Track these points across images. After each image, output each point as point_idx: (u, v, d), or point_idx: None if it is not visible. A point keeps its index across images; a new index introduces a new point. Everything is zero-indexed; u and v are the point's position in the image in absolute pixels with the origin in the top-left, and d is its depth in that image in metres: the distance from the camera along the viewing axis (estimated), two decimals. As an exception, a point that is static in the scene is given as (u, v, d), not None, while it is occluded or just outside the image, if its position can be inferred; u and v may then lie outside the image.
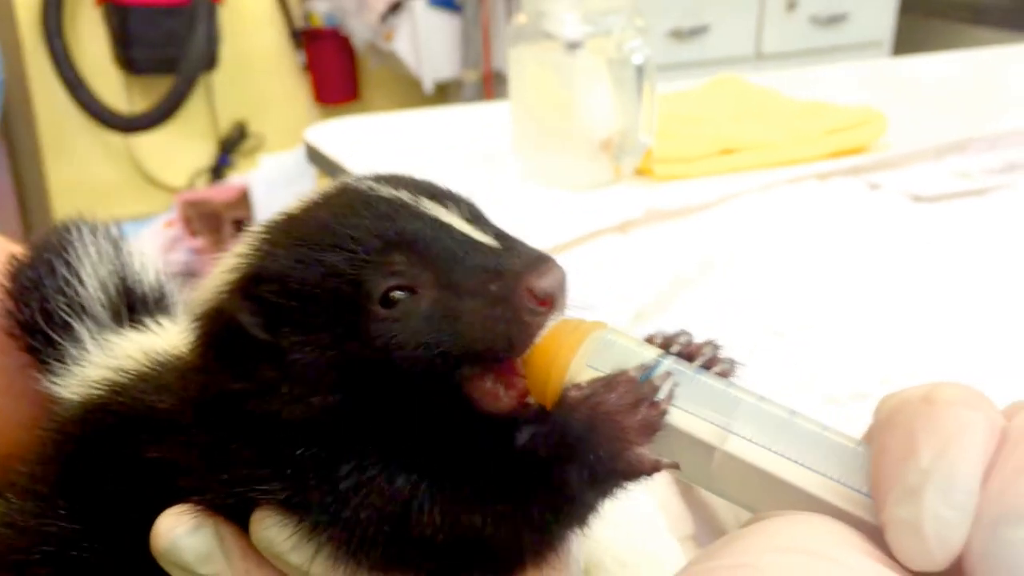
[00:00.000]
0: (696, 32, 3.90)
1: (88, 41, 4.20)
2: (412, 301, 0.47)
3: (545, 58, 1.55)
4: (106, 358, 0.61)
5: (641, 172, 1.61)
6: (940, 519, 0.36)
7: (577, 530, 0.49)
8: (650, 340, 0.49)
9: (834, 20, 4.11)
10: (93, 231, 0.70)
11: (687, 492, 0.97)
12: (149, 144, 4.42)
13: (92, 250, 0.68)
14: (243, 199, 3.62)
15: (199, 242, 3.73)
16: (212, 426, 0.49)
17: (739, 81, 2.02)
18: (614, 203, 1.47)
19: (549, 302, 0.47)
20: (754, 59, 4.05)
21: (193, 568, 0.50)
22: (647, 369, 0.45)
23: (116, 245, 0.70)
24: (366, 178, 0.52)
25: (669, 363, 0.45)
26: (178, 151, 4.50)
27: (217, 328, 0.49)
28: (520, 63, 1.60)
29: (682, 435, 0.43)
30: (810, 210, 1.44)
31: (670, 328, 0.48)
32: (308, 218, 0.50)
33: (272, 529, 0.48)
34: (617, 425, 0.44)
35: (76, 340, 0.65)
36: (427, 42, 3.90)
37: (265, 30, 4.52)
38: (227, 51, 4.34)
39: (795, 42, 4.10)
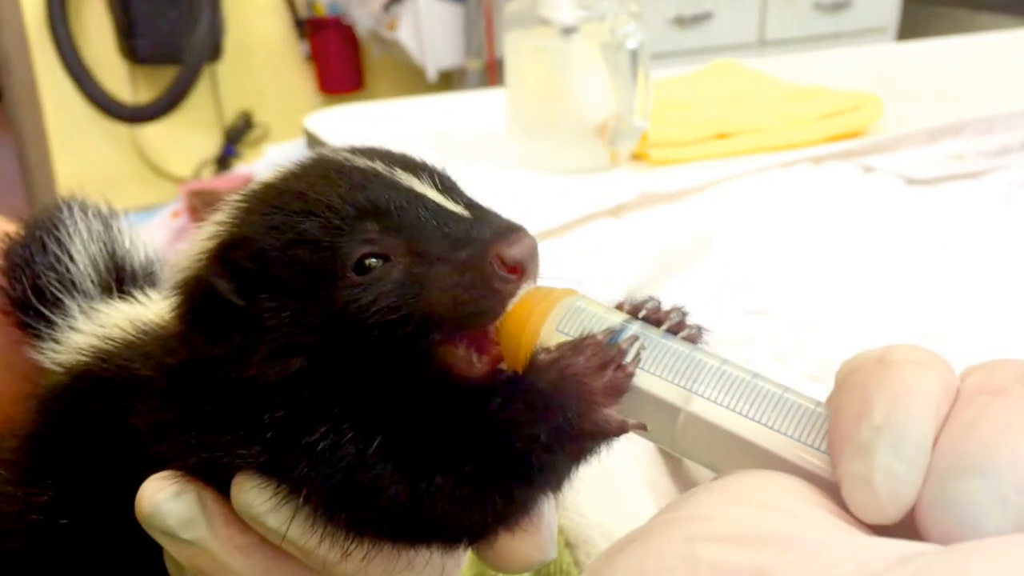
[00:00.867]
0: (699, 19, 3.90)
1: (93, 32, 4.22)
2: (385, 268, 0.48)
3: (540, 43, 1.56)
4: (94, 327, 0.62)
5: (637, 156, 1.62)
6: (891, 473, 0.36)
7: (550, 494, 0.50)
8: (619, 307, 0.49)
9: (838, 6, 4.11)
10: (84, 209, 0.71)
11: (675, 470, 0.98)
12: (155, 134, 4.44)
13: (82, 227, 0.69)
14: (248, 188, 3.63)
15: (204, 231, 3.74)
16: (191, 392, 0.50)
17: (735, 65, 2.03)
18: (610, 187, 1.47)
19: (519, 270, 0.48)
20: (757, 45, 4.05)
21: (176, 533, 0.51)
22: (614, 333, 0.46)
23: (106, 223, 0.71)
24: (342, 149, 0.53)
25: (636, 328, 0.46)
26: (183, 141, 4.52)
27: (195, 295, 0.50)
28: (516, 48, 1.61)
29: (648, 396, 0.44)
30: (804, 193, 1.45)
31: (639, 295, 0.49)
32: (284, 187, 0.51)
33: (251, 493, 0.49)
34: (585, 387, 0.44)
35: (67, 315, 0.66)
36: (430, 31, 3.91)
37: (269, 20, 4.53)
38: (231, 41, 4.35)
39: (799, 28, 4.10)
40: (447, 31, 3.97)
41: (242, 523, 0.51)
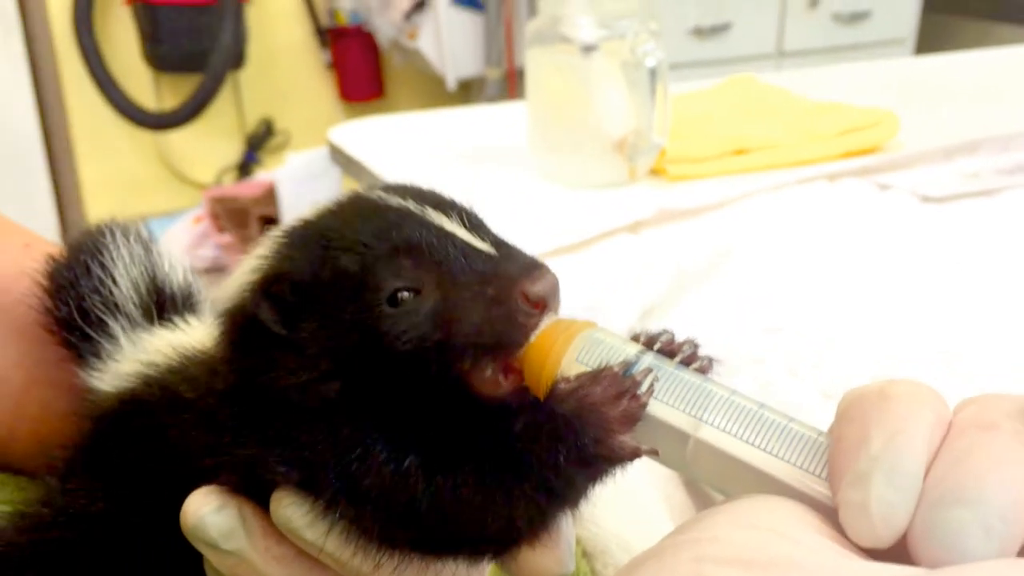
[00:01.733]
0: (718, 30, 3.92)
1: (118, 39, 4.28)
2: (416, 301, 0.51)
3: (561, 60, 1.59)
4: (138, 353, 0.66)
5: (655, 172, 1.64)
6: (885, 501, 0.39)
7: (568, 512, 0.53)
8: (635, 338, 0.53)
9: (856, 18, 4.12)
10: (125, 233, 0.75)
11: (689, 485, 1.00)
12: (178, 141, 4.50)
13: (124, 252, 0.73)
14: (270, 195, 3.68)
15: (226, 238, 3.79)
16: (233, 413, 0.54)
17: (752, 81, 2.05)
18: (628, 203, 1.50)
19: (542, 305, 0.51)
20: (776, 56, 4.07)
21: (218, 544, 0.54)
22: (630, 365, 0.49)
23: (147, 247, 0.75)
24: (376, 188, 0.56)
25: (650, 359, 0.50)
26: (206, 148, 4.57)
27: (239, 323, 0.53)
28: (537, 65, 1.64)
29: (660, 424, 0.48)
30: (819, 210, 1.47)
31: (654, 327, 0.53)
32: (323, 224, 0.54)
33: (290, 508, 0.52)
34: (602, 415, 0.48)
35: (110, 336, 0.69)
36: (450, 40, 3.95)
37: (291, 28, 4.59)
38: (254, 49, 4.41)
39: (817, 40, 4.11)
40: (467, 40, 4.01)
41: (279, 535, 0.54)
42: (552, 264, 0.54)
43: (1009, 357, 1.07)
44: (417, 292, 0.52)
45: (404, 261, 0.52)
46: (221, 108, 4.46)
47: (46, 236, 0.86)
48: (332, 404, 0.52)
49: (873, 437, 0.41)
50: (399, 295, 0.51)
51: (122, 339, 0.69)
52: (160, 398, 0.60)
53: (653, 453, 0.48)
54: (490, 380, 0.52)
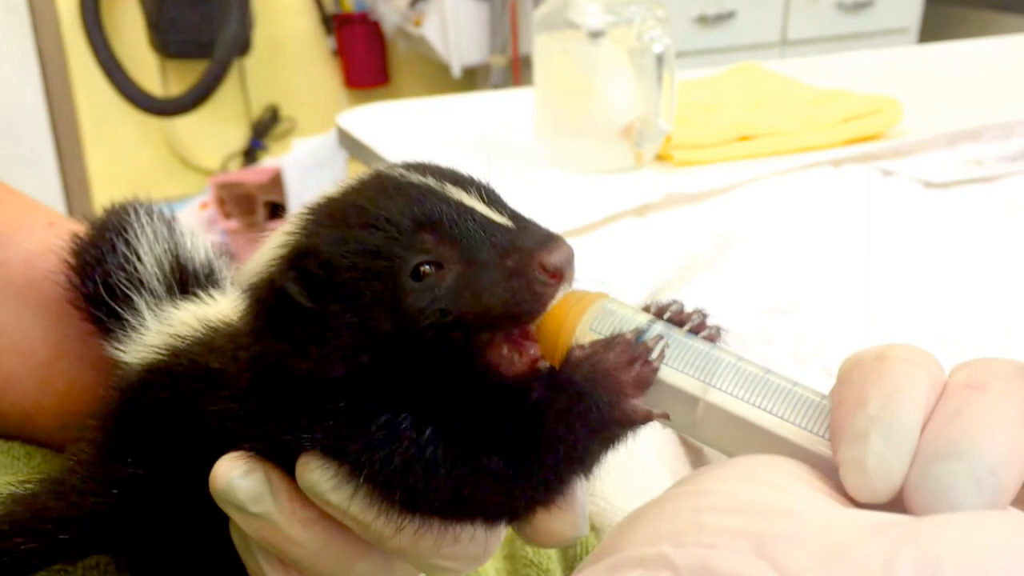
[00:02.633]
0: (722, 18, 3.92)
1: (125, 26, 4.29)
2: (439, 275, 0.53)
3: (568, 47, 1.61)
4: (163, 326, 0.68)
5: (661, 158, 1.66)
6: (882, 458, 0.42)
7: (582, 477, 0.56)
8: (646, 309, 0.55)
9: (860, 6, 4.12)
10: (148, 212, 0.77)
11: (696, 462, 1.03)
12: (184, 127, 4.52)
13: (149, 230, 0.75)
14: (276, 182, 3.69)
15: (233, 224, 3.81)
16: (261, 382, 0.56)
17: (757, 68, 2.07)
18: (635, 187, 1.52)
19: (558, 275, 0.54)
20: (780, 45, 4.07)
21: (245, 507, 0.56)
22: (641, 332, 0.51)
23: (169, 225, 0.77)
24: (397, 166, 0.58)
25: (660, 327, 0.52)
26: (212, 134, 4.59)
27: (267, 297, 0.55)
28: (544, 51, 1.66)
29: (670, 388, 0.50)
30: (823, 196, 1.49)
31: (664, 298, 0.55)
32: (347, 201, 0.56)
33: (315, 472, 0.54)
34: (615, 379, 0.50)
35: (136, 311, 0.71)
36: (455, 27, 3.96)
37: (297, 15, 4.60)
38: (260, 36, 4.42)
39: (821, 28, 4.11)
40: (472, 28, 4.02)
41: (304, 499, 0.56)
42: (563, 242, 0.56)
43: (1008, 341, 1.09)
44: (439, 266, 0.54)
45: (426, 236, 0.54)
46: (227, 95, 4.48)
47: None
48: (357, 374, 0.54)
49: (871, 398, 0.43)
50: (422, 269, 0.53)
51: (147, 314, 0.71)
52: (187, 368, 0.62)
53: (664, 416, 0.51)
54: (506, 358, 0.54)
